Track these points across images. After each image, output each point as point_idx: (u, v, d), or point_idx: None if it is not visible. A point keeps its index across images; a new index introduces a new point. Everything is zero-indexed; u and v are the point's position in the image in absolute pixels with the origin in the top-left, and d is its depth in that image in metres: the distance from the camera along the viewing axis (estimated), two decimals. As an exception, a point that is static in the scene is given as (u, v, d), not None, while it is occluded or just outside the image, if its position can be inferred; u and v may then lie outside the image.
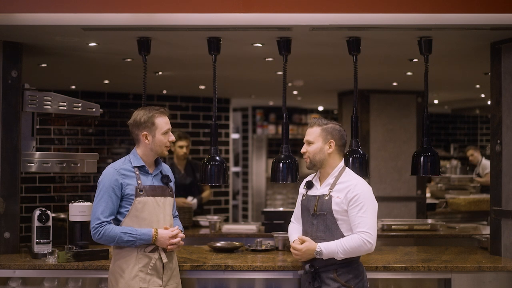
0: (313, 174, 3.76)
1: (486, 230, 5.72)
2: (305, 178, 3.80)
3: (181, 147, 6.47)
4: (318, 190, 3.62)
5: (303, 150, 3.63)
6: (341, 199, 3.51)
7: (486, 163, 9.51)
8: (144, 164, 3.64)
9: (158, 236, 3.53)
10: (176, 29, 4.16)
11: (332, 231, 3.53)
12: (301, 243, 3.55)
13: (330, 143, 3.59)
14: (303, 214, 3.70)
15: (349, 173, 3.62)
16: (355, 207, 3.48)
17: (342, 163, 3.64)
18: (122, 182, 3.55)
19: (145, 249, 3.56)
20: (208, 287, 4.13)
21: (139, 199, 3.56)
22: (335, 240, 3.50)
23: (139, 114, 3.64)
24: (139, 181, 3.58)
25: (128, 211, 3.55)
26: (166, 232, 3.57)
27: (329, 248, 3.49)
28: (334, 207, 3.52)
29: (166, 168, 3.77)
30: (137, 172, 3.60)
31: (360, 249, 3.47)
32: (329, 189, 3.56)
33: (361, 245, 3.45)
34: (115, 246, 3.60)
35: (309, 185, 3.69)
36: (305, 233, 3.66)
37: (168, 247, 3.58)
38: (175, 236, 3.58)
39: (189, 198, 6.29)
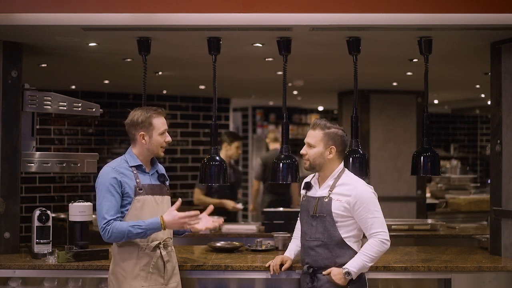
0: (311, 175, 3.74)
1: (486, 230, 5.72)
2: (305, 178, 3.79)
3: (238, 147, 6.58)
4: (318, 191, 3.61)
5: (303, 151, 3.60)
6: (342, 202, 3.50)
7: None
8: (141, 163, 3.64)
9: (166, 221, 3.47)
10: (176, 29, 4.16)
11: (331, 233, 3.52)
12: (328, 273, 3.52)
13: (330, 149, 3.55)
14: (302, 214, 3.68)
15: (348, 175, 3.61)
16: (361, 210, 3.47)
17: (341, 165, 3.62)
18: (121, 180, 3.53)
19: (146, 248, 3.55)
20: (208, 287, 4.13)
21: (138, 198, 3.55)
22: (356, 255, 3.50)
23: (136, 114, 3.63)
24: (137, 180, 3.58)
25: (127, 210, 3.54)
26: (173, 214, 3.49)
27: (356, 265, 3.48)
28: (334, 209, 3.50)
29: (161, 168, 3.78)
30: (135, 172, 3.60)
31: (382, 250, 3.49)
32: (329, 191, 3.55)
33: (381, 245, 3.48)
34: (115, 246, 3.59)
35: (308, 186, 3.68)
36: (303, 233, 3.65)
37: (186, 223, 3.50)
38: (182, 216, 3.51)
39: (239, 205, 6.40)
